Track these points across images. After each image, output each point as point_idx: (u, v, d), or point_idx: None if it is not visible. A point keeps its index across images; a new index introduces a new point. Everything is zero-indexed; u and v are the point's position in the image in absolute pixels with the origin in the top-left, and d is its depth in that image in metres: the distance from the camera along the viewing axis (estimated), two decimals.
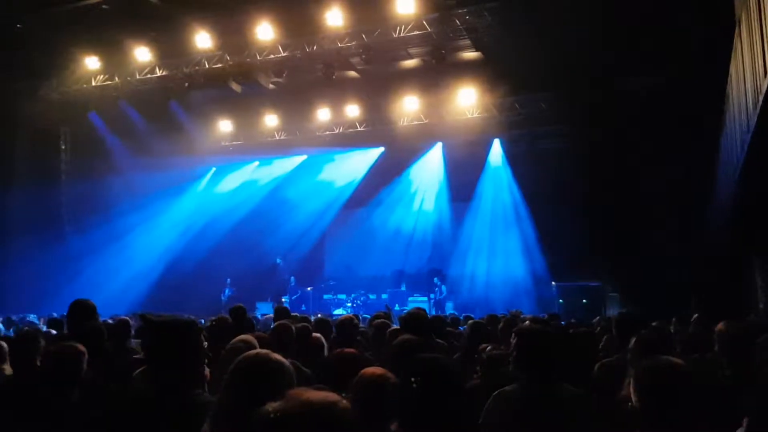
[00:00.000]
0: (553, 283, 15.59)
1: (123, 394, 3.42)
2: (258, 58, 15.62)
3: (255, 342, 3.80)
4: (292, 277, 18.34)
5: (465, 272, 17.07)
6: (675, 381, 2.42)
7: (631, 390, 2.57)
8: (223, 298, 17.97)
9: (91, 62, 16.54)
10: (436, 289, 16.62)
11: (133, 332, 6.74)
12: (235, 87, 16.81)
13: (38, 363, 4.55)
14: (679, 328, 7.10)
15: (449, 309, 15.78)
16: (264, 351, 2.44)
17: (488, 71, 15.25)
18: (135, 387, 3.79)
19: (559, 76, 13.86)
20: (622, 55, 12.81)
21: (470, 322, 7.73)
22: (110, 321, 7.34)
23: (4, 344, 4.76)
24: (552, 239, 15.68)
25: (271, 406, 1.47)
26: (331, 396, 1.49)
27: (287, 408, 1.44)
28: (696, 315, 6.85)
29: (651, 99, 13.37)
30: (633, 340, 4.03)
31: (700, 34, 10.94)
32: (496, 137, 17.69)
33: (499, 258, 16.77)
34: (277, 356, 2.38)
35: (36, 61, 16.17)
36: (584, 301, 15.29)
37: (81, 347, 3.83)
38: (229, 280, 18.35)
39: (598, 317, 10.52)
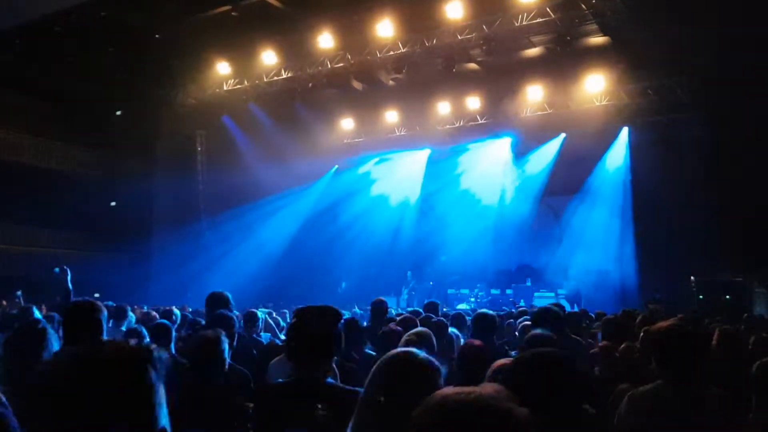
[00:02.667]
0: (691, 278, 14.61)
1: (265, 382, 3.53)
2: (378, 55, 15.80)
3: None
4: (409, 272, 18.32)
5: (595, 267, 16.37)
6: None
7: None
8: (339, 291, 18.36)
9: (223, 68, 17.45)
10: (570, 283, 16.01)
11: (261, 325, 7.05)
12: (357, 85, 17.13)
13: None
14: None
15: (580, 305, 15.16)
16: (408, 350, 2.38)
17: (617, 56, 14.55)
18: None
19: (698, 59, 12.97)
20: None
21: (605, 318, 7.42)
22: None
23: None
24: (689, 232, 14.72)
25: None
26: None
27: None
28: None
29: None
30: None
31: None
32: (626, 126, 16.79)
33: (632, 252, 15.92)
34: (423, 355, 2.33)
35: (173, 68, 17.30)
36: (727, 297, 14.22)
37: (224, 335, 3.99)
38: (343, 274, 18.75)
39: (745, 315, 9.74)
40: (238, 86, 17.78)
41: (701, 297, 14.13)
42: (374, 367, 2.36)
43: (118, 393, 1.36)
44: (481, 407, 1.31)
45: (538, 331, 3.95)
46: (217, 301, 5.28)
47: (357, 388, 2.66)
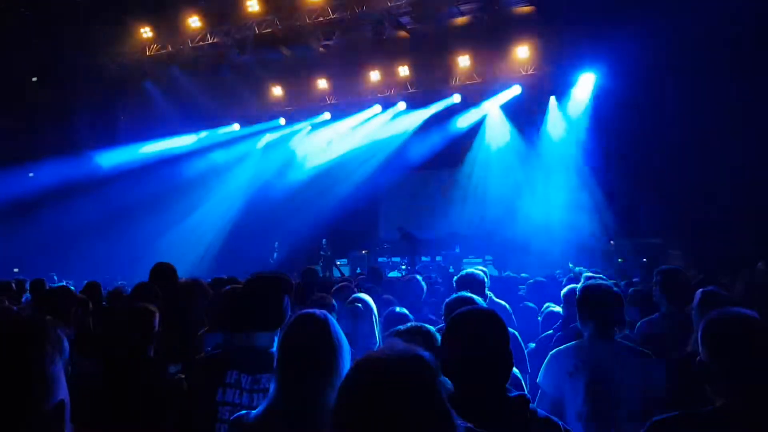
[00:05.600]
0: (611, 242, 15.19)
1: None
2: (307, 21, 15.55)
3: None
4: (324, 240, 18.13)
5: (520, 232, 16.79)
6: (748, 331, 2.29)
7: (700, 344, 2.46)
8: (270, 261, 18.22)
9: (145, 32, 16.82)
10: (500, 249, 16.34)
11: None
12: (285, 51, 16.81)
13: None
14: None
15: (507, 270, 15.55)
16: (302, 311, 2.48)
17: (543, 25, 14.79)
18: None
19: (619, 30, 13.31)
20: None
21: (532, 282, 7.68)
22: None
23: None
24: (610, 195, 15.29)
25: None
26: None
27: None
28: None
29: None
30: (698, 294, 3.90)
31: None
32: (553, 94, 17.17)
33: (555, 216, 16.34)
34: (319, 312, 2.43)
35: (94, 34, 16.52)
36: (644, 259, 14.85)
37: (152, 307, 3.93)
38: (277, 243, 18.58)
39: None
40: (162, 51, 17.16)
41: (620, 260, 14.69)
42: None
43: (8, 366, 1.33)
44: (395, 361, 1.40)
45: (460, 294, 4.04)
46: (164, 272, 5.18)
47: None
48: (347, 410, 1.40)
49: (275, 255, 18.47)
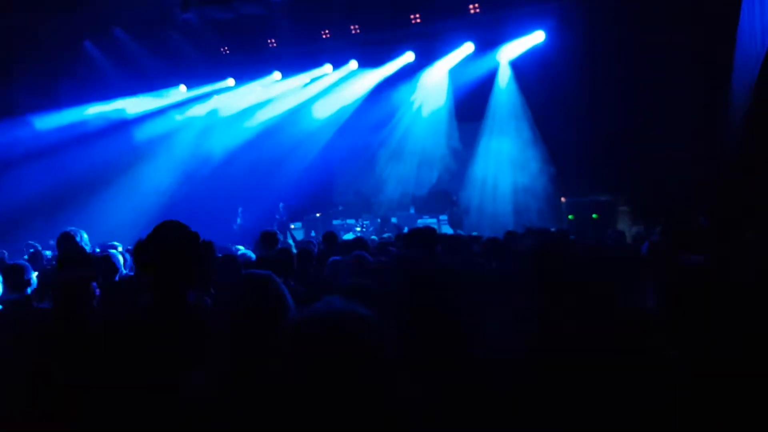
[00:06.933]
0: (562, 199, 15.40)
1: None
2: None
3: None
4: (281, 204, 17.95)
5: (473, 192, 16.91)
6: (700, 279, 2.31)
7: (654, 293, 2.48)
8: (234, 226, 17.93)
9: None
10: (454, 208, 16.40)
11: None
12: (232, 8, 16.27)
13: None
14: None
15: (462, 229, 15.67)
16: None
17: None
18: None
19: None
20: None
21: (485, 239, 7.70)
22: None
23: None
24: (560, 153, 15.46)
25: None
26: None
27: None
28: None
29: None
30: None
31: None
32: (502, 50, 17.08)
33: (506, 174, 16.47)
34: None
35: None
36: (594, 216, 15.10)
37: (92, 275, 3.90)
38: (240, 208, 18.27)
39: (609, 230, 10.48)
40: (101, 9, 16.39)
41: (571, 216, 14.92)
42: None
43: None
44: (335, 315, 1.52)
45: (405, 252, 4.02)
46: (68, 238, 5.17)
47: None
48: (294, 366, 1.48)
49: (239, 220, 18.13)
